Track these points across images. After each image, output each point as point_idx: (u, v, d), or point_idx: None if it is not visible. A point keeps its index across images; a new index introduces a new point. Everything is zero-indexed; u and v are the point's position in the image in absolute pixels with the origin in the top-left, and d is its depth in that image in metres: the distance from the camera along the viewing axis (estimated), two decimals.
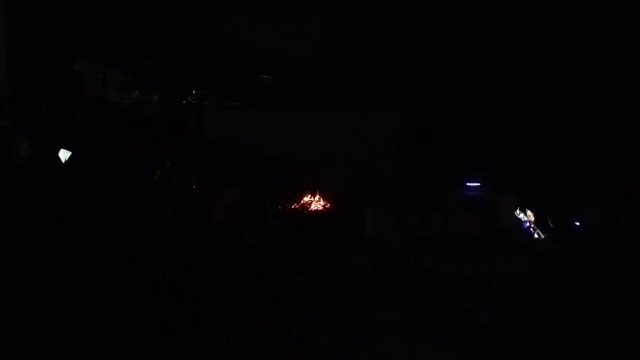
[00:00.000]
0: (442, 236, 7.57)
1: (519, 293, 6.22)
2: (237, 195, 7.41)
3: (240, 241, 6.92)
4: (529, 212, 7.93)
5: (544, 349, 4.89)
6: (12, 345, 4.53)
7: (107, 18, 9.16)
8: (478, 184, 8.42)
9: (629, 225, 7.49)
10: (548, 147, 8.79)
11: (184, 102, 9.73)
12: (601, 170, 8.31)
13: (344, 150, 8.94)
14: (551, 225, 7.85)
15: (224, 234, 7.00)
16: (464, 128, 9.13)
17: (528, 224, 7.88)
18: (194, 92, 9.68)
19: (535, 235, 7.82)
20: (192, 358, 4.58)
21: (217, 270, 6.41)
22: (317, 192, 8.53)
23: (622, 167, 8.24)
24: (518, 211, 7.94)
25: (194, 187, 8.08)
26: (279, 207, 8.20)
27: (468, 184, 8.41)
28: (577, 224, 7.87)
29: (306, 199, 8.49)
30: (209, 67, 9.64)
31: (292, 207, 8.39)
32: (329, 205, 8.44)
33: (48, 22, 8.50)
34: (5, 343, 4.53)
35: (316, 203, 8.49)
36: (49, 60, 8.51)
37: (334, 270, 6.71)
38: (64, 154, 7.11)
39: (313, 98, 9.80)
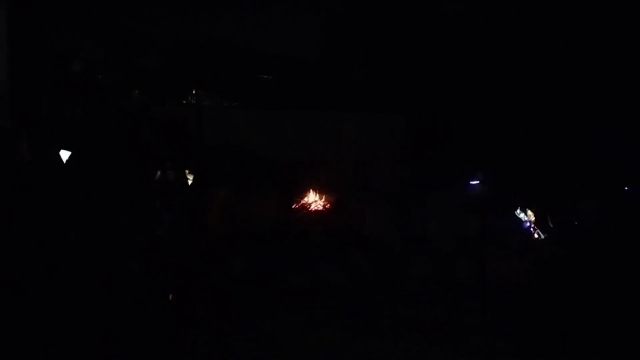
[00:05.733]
0: (442, 236, 7.57)
1: (519, 293, 6.22)
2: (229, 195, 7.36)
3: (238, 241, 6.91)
4: (529, 212, 7.94)
5: (544, 349, 4.89)
6: (14, 344, 4.53)
7: (107, 18, 9.15)
8: (478, 184, 8.42)
9: (626, 224, 7.51)
10: (548, 147, 8.80)
11: (184, 102, 9.72)
12: (599, 171, 8.32)
13: (344, 150, 8.93)
14: (551, 225, 7.86)
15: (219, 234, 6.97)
16: (465, 128, 9.13)
17: (528, 224, 7.88)
18: (194, 92, 9.67)
19: (535, 235, 7.83)
20: (193, 358, 4.59)
21: (216, 271, 6.40)
22: (317, 193, 8.53)
23: (621, 168, 8.26)
24: (518, 211, 7.94)
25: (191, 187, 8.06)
26: (280, 207, 8.18)
27: (469, 183, 8.42)
28: (577, 224, 7.88)
29: (306, 199, 8.48)
30: (209, 67, 9.63)
31: (293, 207, 8.38)
32: (329, 205, 8.43)
33: (48, 22, 8.49)
34: (8, 342, 4.54)
35: (316, 203, 8.48)
36: (49, 60, 8.49)
37: (334, 270, 6.71)
38: (64, 154, 7.10)
39: (313, 98, 9.79)
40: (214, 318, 5.26)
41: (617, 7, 8.73)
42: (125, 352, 4.59)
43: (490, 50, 9.24)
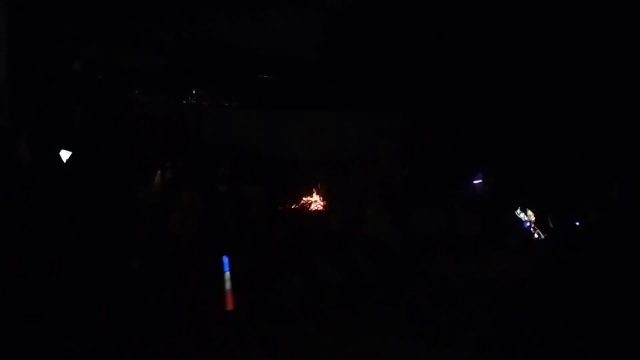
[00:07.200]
0: (442, 236, 7.58)
1: (519, 293, 6.22)
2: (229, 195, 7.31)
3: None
4: (529, 212, 7.94)
5: (544, 348, 4.89)
6: (14, 344, 4.54)
7: (107, 18, 9.15)
8: (479, 184, 8.43)
9: (625, 225, 7.51)
10: (548, 147, 8.80)
11: (184, 102, 9.72)
12: (600, 170, 8.33)
13: (344, 150, 8.93)
14: (551, 225, 7.86)
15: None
16: (465, 128, 9.13)
17: (528, 224, 7.89)
18: (194, 92, 9.67)
19: (535, 235, 7.83)
20: (191, 358, 4.59)
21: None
22: (317, 192, 8.53)
23: (620, 167, 8.27)
24: (518, 211, 7.95)
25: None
26: (279, 207, 8.19)
27: (469, 183, 8.42)
28: (577, 224, 7.88)
29: (306, 199, 8.49)
30: (209, 67, 9.63)
31: (292, 207, 8.39)
32: (327, 204, 8.43)
33: (48, 22, 8.49)
34: (8, 342, 4.54)
35: (316, 203, 8.49)
36: (49, 60, 8.49)
37: (334, 270, 6.71)
38: (64, 154, 7.10)
39: (313, 98, 9.80)
40: (212, 318, 5.26)
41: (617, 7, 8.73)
42: (124, 351, 4.59)
43: (492, 50, 9.24)
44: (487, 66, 9.22)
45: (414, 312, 5.61)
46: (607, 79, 8.85)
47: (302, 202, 8.48)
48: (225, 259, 5.60)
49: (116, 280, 5.87)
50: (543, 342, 5.00)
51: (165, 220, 6.76)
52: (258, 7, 9.38)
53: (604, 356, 4.81)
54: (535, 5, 9.03)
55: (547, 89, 9.18)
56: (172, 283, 5.94)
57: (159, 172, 7.97)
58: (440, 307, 5.77)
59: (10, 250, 5.71)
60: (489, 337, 5.07)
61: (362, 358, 4.66)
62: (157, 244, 6.58)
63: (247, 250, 6.86)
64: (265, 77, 10.01)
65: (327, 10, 9.66)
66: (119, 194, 7.01)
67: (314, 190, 8.55)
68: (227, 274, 5.53)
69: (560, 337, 5.14)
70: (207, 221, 6.90)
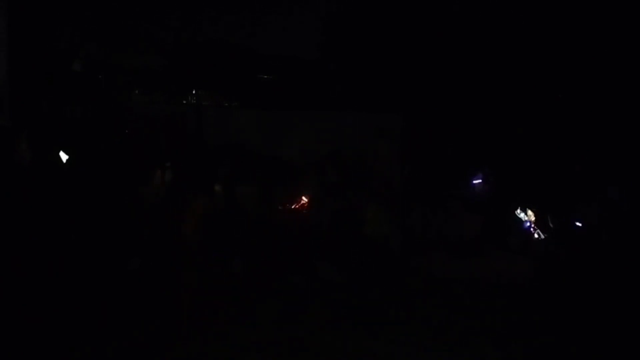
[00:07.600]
0: (442, 236, 7.57)
1: (519, 293, 6.23)
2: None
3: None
4: (529, 212, 7.93)
5: (544, 349, 4.89)
6: (13, 344, 4.54)
7: (107, 18, 9.15)
8: (479, 184, 8.42)
9: (625, 224, 7.51)
10: (548, 147, 8.80)
11: (184, 102, 9.73)
12: (600, 170, 8.33)
13: (344, 151, 8.92)
14: (551, 225, 7.86)
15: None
16: (465, 128, 9.13)
17: (528, 224, 7.88)
18: (194, 92, 9.67)
19: (535, 235, 7.82)
20: (192, 358, 4.59)
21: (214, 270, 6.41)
22: (317, 192, 8.51)
23: (621, 167, 8.26)
24: (518, 211, 7.94)
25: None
26: (279, 207, 8.18)
27: (469, 183, 8.41)
28: (578, 224, 7.88)
29: (306, 199, 8.47)
30: (209, 67, 9.63)
31: (292, 207, 8.38)
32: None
33: (48, 22, 8.50)
34: (8, 343, 4.55)
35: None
36: (49, 60, 8.50)
37: (334, 270, 6.71)
38: (64, 154, 7.11)
39: (313, 98, 9.79)
40: (212, 318, 5.26)
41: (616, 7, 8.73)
42: (124, 351, 4.59)
43: (491, 50, 9.23)
44: (487, 66, 9.21)
45: (414, 312, 5.61)
46: (607, 79, 8.85)
47: (301, 202, 8.47)
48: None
49: (116, 280, 5.88)
50: (543, 343, 5.01)
51: (170, 223, 6.78)
52: (258, 7, 9.38)
53: (605, 356, 4.82)
54: (535, 5, 9.02)
55: (547, 89, 9.18)
56: (172, 283, 5.95)
57: (159, 172, 7.97)
58: (440, 307, 5.77)
59: (10, 250, 5.71)
60: (489, 337, 5.07)
61: (362, 358, 4.67)
62: (160, 244, 6.59)
63: (247, 250, 6.87)
64: (265, 77, 10.01)
65: (327, 10, 9.66)
66: (119, 194, 7.01)
67: (313, 190, 8.53)
68: None
69: (561, 337, 5.14)
70: (208, 222, 6.92)
